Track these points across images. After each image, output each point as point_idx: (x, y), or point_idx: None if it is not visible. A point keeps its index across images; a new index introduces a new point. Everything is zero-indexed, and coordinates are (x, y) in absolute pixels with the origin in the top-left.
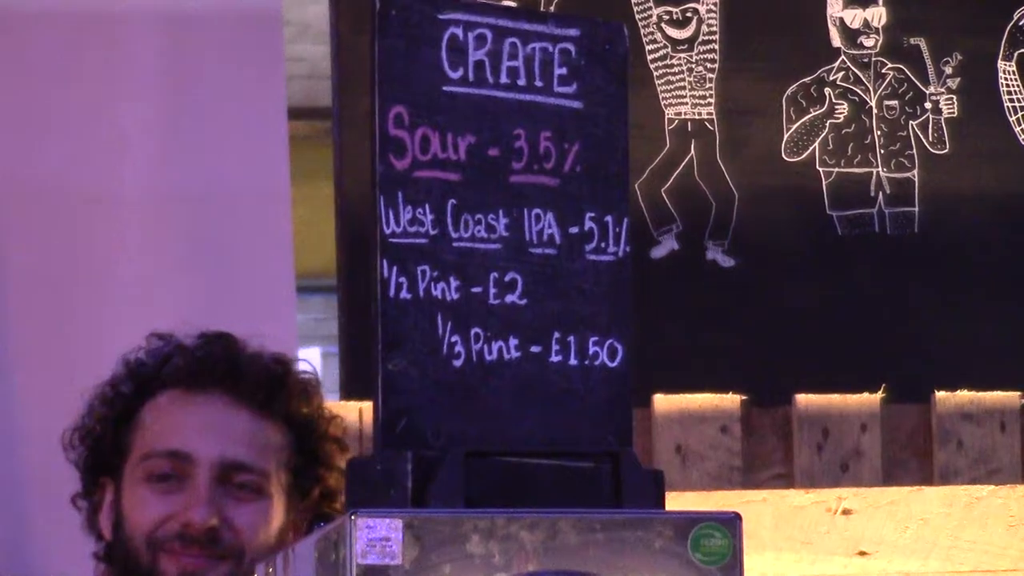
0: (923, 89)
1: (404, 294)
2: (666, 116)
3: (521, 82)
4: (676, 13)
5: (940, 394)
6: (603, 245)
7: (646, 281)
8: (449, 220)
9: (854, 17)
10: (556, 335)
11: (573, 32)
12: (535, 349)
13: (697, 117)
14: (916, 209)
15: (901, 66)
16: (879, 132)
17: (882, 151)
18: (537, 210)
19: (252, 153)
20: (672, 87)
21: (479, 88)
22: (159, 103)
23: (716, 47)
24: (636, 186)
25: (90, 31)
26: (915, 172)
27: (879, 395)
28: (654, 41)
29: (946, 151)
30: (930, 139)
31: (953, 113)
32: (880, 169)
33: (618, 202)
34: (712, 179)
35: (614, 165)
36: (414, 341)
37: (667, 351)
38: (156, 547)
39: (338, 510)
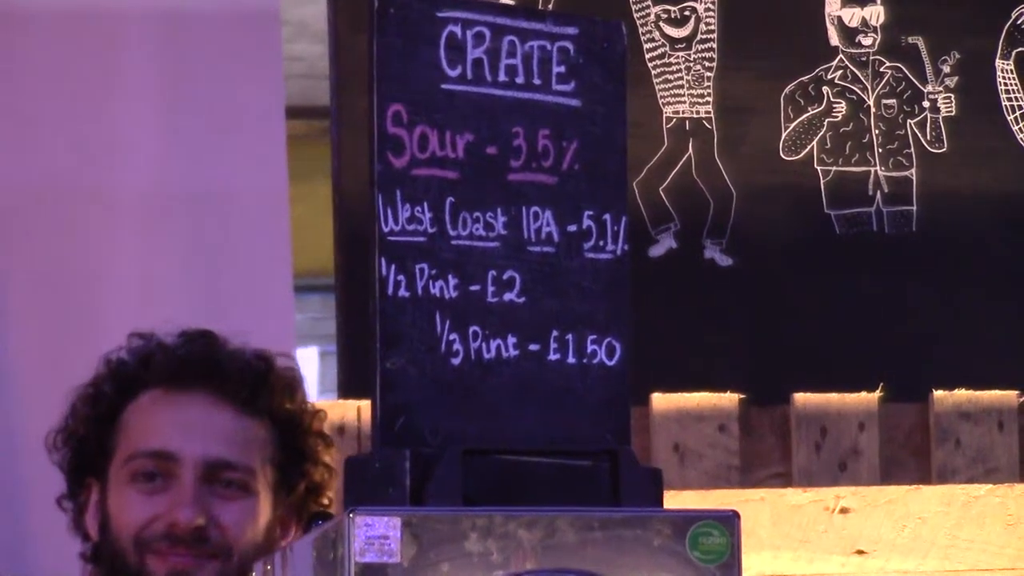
0: (921, 88)
1: (402, 292)
2: (664, 114)
3: (519, 80)
4: (674, 12)
5: (938, 393)
6: (601, 243)
7: (644, 280)
8: (447, 218)
9: (852, 16)
10: (554, 333)
11: (571, 30)
12: (533, 347)
13: (695, 116)
14: (914, 208)
15: (899, 65)
16: (877, 131)
17: (880, 150)
18: (535, 208)
19: (250, 152)
20: (670, 85)
21: (477, 86)
22: (157, 102)
23: (714, 46)
24: (634, 184)
25: (88, 30)
26: (913, 171)
27: (877, 394)
28: (652, 40)
29: (944, 150)
30: (928, 138)
31: (951, 112)
32: (878, 168)
33: (616, 200)
34: (710, 178)
35: (612, 163)
36: (412, 339)
37: (665, 350)
38: (143, 547)
39: (325, 505)
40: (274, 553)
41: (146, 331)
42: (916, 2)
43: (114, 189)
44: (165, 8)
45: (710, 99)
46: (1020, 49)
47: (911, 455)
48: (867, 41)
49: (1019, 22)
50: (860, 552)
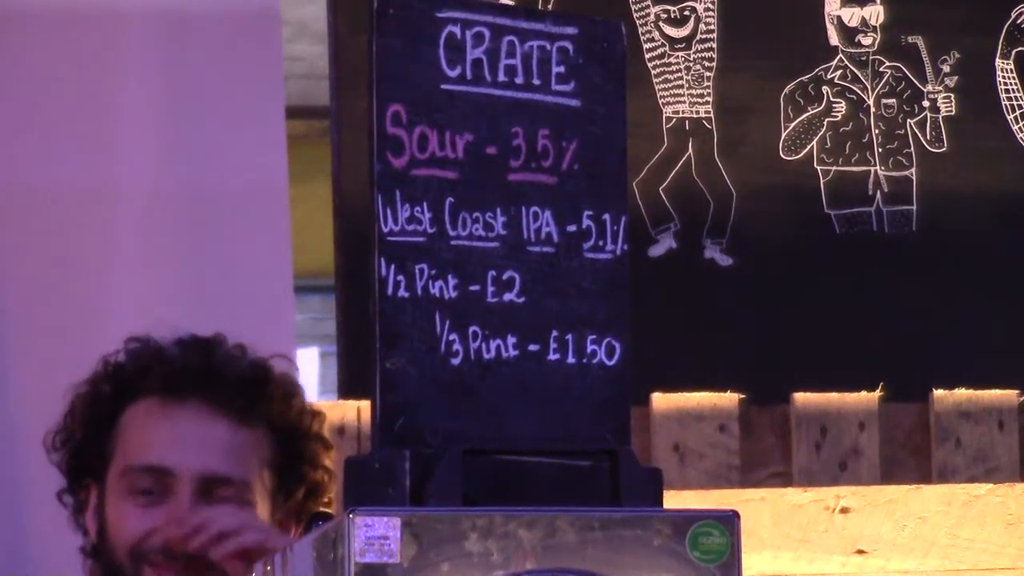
0: (921, 87)
1: (402, 292)
2: (664, 114)
3: (519, 80)
4: (674, 11)
5: (938, 392)
6: (601, 243)
7: (644, 280)
8: (447, 218)
9: (852, 15)
10: (554, 333)
11: (571, 30)
12: (533, 347)
13: (695, 115)
14: (914, 207)
15: (899, 64)
16: (877, 131)
17: (880, 150)
18: (535, 208)
19: (250, 152)
20: (670, 85)
21: (477, 86)
22: (157, 102)
23: (714, 45)
24: (634, 184)
25: (88, 30)
26: (913, 170)
27: (877, 393)
28: (652, 40)
29: (944, 149)
30: (928, 137)
31: (951, 111)
32: (878, 167)
33: (616, 200)
34: (710, 178)
35: (612, 163)
36: (412, 339)
37: (665, 350)
38: (140, 559)
39: (325, 505)
40: (274, 554)
41: (144, 335)
42: (916, 2)
43: (114, 189)
44: (165, 8)
45: (710, 99)
46: (1020, 48)
47: (911, 455)
48: (867, 41)
49: (1019, 21)
50: (860, 552)
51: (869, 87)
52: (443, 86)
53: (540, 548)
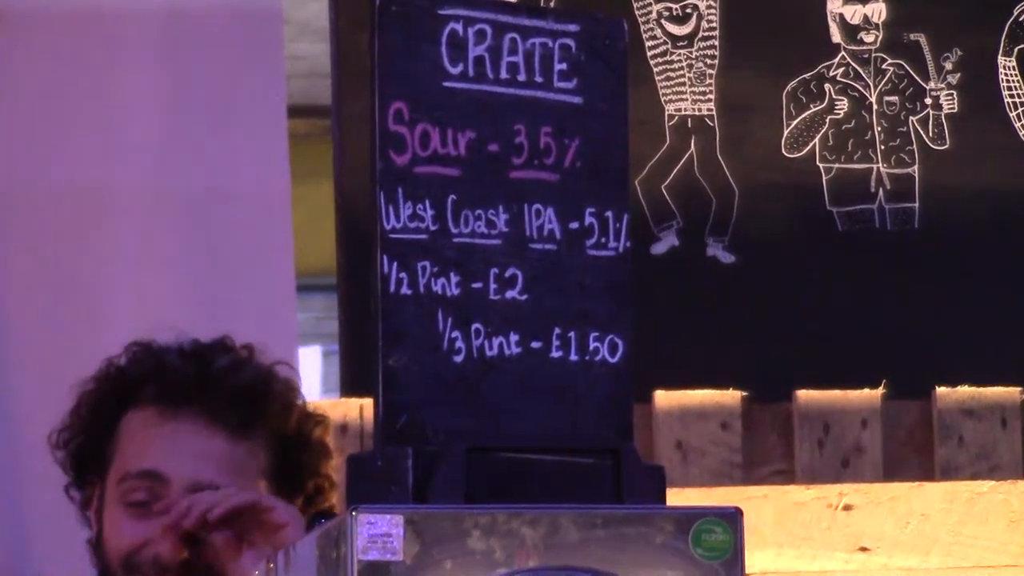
0: (923, 85)
1: (404, 290)
2: (666, 112)
3: (521, 77)
4: (676, 9)
5: (941, 390)
6: (603, 240)
7: (646, 277)
8: (449, 216)
9: (854, 13)
10: (556, 331)
11: (573, 27)
12: (535, 345)
13: (697, 113)
14: (916, 205)
15: (901, 62)
16: (879, 128)
17: (882, 147)
18: (537, 205)
19: (253, 151)
20: (672, 83)
21: (479, 84)
22: (160, 101)
23: (716, 43)
24: (636, 182)
25: (90, 29)
26: (915, 168)
27: (880, 391)
28: (654, 37)
29: (946, 147)
30: (930, 135)
31: (953, 109)
32: (880, 165)
33: (618, 198)
34: (712, 175)
35: (614, 161)
36: (414, 337)
37: (668, 347)
38: (132, 570)
39: (326, 509)
40: (277, 552)
41: (147, 340)
42: None
43: (117, 189)
44: (168, 7)
45: (712, 97)
46: (1022, 46)
47: (914, 452)
48: (869, 38)
49: (1021, 19)
50: (863, 549)
51: (871, 84)
52: (445, 83)
53: (543, 546)
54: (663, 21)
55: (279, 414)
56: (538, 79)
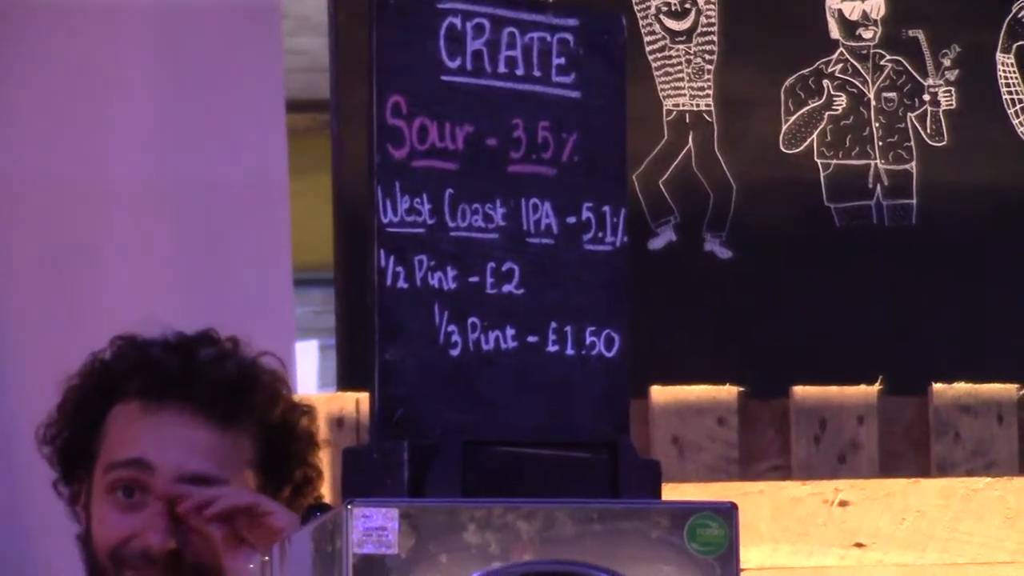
0: (921, 81)
1: (401, 284)
2: (664, 107)
3: (519, 72)
4: (674, 4)
5: (937, 386)
6: (600, 235)
7: (644, 272)
8: (447, 209)
9: (852, 9)
10: (553, 325)
11: (571, 22)
12: (532, 339)
13: (695, 108)
14: (914, 201)
15: (899, 58)
16: (877, 124)
17: (880, 143)
18: (535, 200)
19: (251, 146)
20: (670, 78)
21: (477, 78)
22: (158, 95)
23: (714, 38)
24: (634, 177)
25: (88, 23)
26: (913, 164)
27: (876, 387)
28: (652, 32)
29: (944, 143)
30: (928, 131)
31: (951, 105)
32: (878, 161)
33: (616, 192)
34: (710, 171)
35: (612, 155)
36: (411, 331)
37: (664, 343)
38: (120, 564)
39: (318, 498)
40: (272, 546)
41: (130, 334)
42: None
43: (114, 182)
44: (166, 1)
45: (710, 92)
46: (1021, 43)
47: (910, 448)
48: (867, 34)
49: (1020, 15)
50: (859, 545)
51: (870, 81)
52: (443, 77)
53: (538, 540)
54: (662, 16)
55: (265, 405)
56: (536, 73)
